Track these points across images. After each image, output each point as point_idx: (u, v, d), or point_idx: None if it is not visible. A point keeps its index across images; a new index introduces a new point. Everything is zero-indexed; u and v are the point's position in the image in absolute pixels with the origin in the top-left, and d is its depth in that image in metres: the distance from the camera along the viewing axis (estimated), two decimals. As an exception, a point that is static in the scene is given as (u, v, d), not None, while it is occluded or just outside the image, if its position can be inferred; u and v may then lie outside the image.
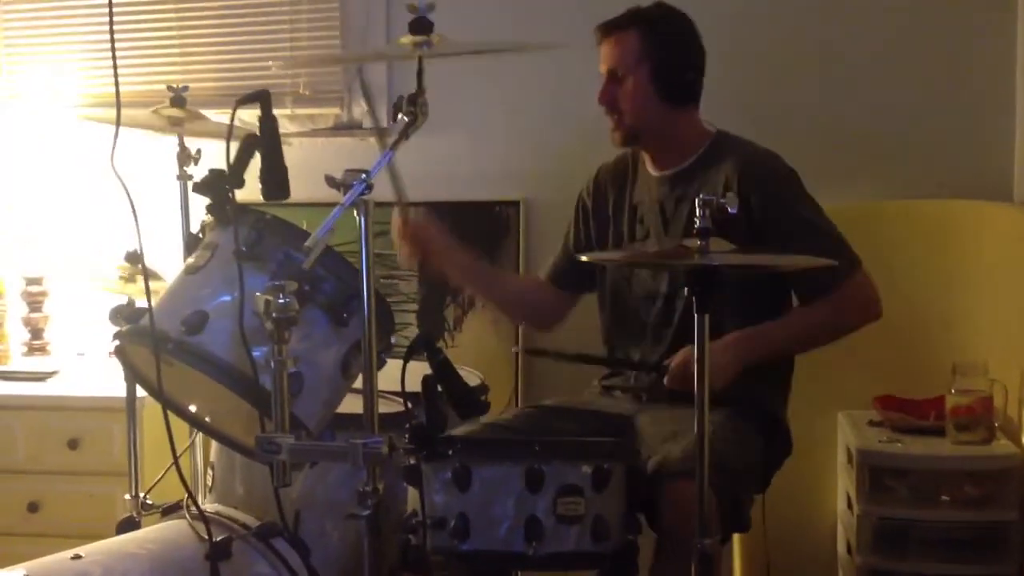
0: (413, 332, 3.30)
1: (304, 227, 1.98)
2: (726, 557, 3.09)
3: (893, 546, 2.73)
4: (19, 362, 3.52)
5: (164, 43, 3.54)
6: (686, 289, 1.89)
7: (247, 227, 1.95)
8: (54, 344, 3.55)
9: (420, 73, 1.89)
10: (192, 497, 2.22)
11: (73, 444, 3.19)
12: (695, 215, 1.93)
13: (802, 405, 2.66)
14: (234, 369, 1.88)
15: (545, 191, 3.31)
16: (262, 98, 1.88)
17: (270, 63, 2.12)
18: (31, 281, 3.52)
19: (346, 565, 2.30)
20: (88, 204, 3.43)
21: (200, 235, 2.07)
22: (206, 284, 1.99)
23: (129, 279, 2.52)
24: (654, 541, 2.17)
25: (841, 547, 3.02)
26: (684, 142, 2.59)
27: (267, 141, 1.88)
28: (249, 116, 1.96)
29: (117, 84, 1.92)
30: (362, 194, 1.78)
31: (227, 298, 1.93)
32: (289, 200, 1.93)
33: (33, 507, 3.21)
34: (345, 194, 1.78)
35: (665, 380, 2.38)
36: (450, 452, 1.95)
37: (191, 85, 2.88)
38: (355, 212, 1.81)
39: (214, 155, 2.37)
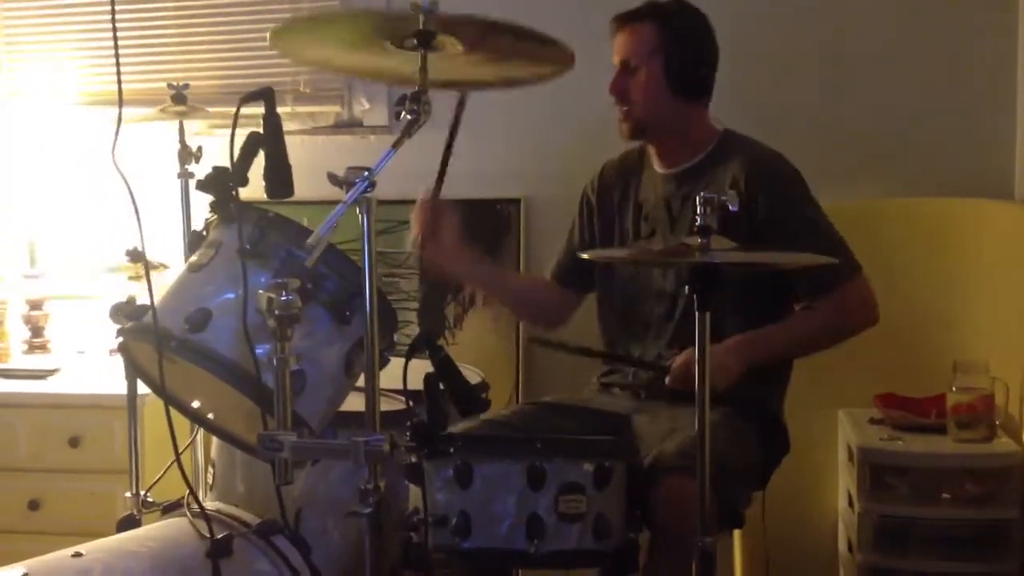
0: (414, 330, 3.29)
1: (306, 225, 1.98)
2: (727, 555, 3.09)
3: (894, 544, 2.74)
4: (20, 360, 3.52)
5: (165, 40, 3.54)
6: (686, 287, 1.89)
7: (250, 225, 1.95)
8: (55, 342, 3.55)
9: (423, 71, 1.88)
10: (194, 494, 2.22)
11: (74, 442, 3.20)
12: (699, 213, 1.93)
13: (803, 403, 2.66)
14: (237, 367, 1.88)
15: (546, 189, 3.31)
16: (266, 96, 1.88)
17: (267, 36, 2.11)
18: (32, 278, 3.52)
19: (347, 563, 2.30)
20: (89, 202, 3.43)
21: (203, 233, 2.07)
22: (209, 282, 1.98)
23: (134, 277, 2.52)
24: (648, 538, 2.16)
25: (842, 545, 3.02)
26: (692, 139, 2.60)
27: (271, 139, 1.88)
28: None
29: (120, 81, 1.92)
30: (364, 192, 1.78)
31: (230, 296, 1.93)
32: (291, 198, 1.93)
33: (34, 505, 3.22)
34: (347, 192, 1.78)
35: (667, 380, 2.39)
36: (452, 450, 1.94)
37: (192, 83, 2.89)
38: (357, 210, 1.80)
39: (216, 153, 2.37)
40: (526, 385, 3.31)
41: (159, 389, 1.97)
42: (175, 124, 2.82)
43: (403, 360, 1.96)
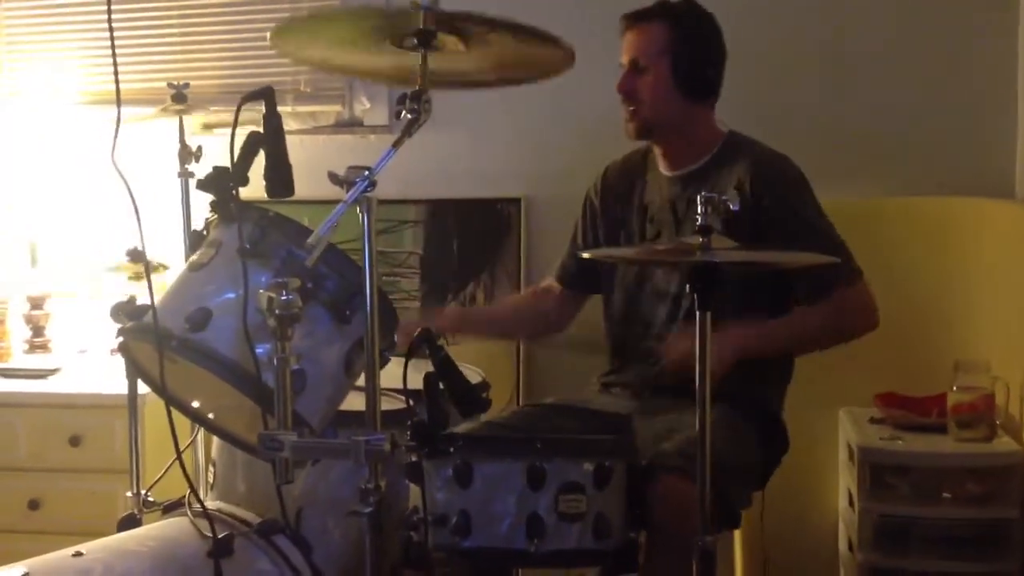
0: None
1: (306, 224, 1.98)
2: (728, 554, 3.09)
3: (894, 543, 2.74)
4: (20, 359, 3.52)
5: (165, 40, 3.54)
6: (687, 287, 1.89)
7: (251, 224, 1.95)
8: (55, 341, 3.55)
9: (423, 70, 1.88)
10: (195, 493, 2.22)
11: (74, 441, 3.20)
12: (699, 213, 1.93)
13: (803, 402, 2.66)
14: (237, 366, 1.88)
15: (546, 188, 3.31)
16: (266, 95, 1.88)
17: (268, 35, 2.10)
18: (33, 278, 3.52)
19: (348, 562, 2.29)
20: (90, 201, 3.43)
21: (204, 232, 2.07)
22: (210, 281, 1.98)
23: (134, 277, 2.52)
24: (645, 538, 2.16)
25: (842, 544, 3.02)
26: (698, 140, 2.60)
27: (271, 138, 1.88)
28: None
29: (117, 81, 1.92)
30: (365, 191, 1.78)
31: (231, 295, 1.92)
32: (291, 197, 1.93)
33: (34, 504, 3.22)
34: (348, 191, 1.78)
35: (664, 363, 2.38)
36: (452, 449, 1.95)
37: (192, 82, 2.89)
38: (358, 209, 1.80)
39: (216, 152, 2.37)
40: (526, 384, 3.31)
41: (159, 389, 1.97)
42: (175, 124, 2.82)
43: (403, 359, 1.96)
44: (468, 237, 3.36)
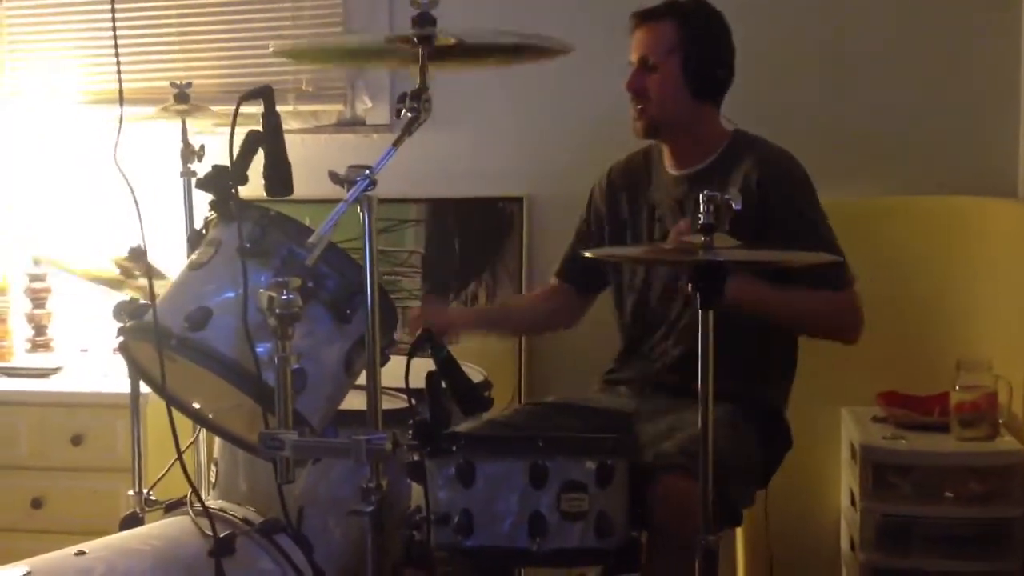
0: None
1: (307, 223, 1.98)
2: (730, 553, 3.09)
3: (896, 542, 2.73)
4: (22, 358, 3.53)
5: (166, 39, 3.54)
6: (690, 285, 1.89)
7: (251, 223, 1.95)
8: (57, 340, 3.56)
9: (423, 69, 1.88)
10: (196, 493, 2.22)
11: (76, 440, 3.20)
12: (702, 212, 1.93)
13: (805, 401, 2.66)
14: (238, 365, 1.88)
15: (548, 188, 3.31)
16: (265, 94, 1.88)
17: (269, 45, 2.10)
18: (35, 278, 3.52)
19: (349, 561, 2.30)
20: (91, 201, 3.44)
21: (204, 231, 2.06)
22: (210, 280, 1.98)
23: (129, 275, 2.52)
24: (647, 537, 2.16)
25: (844, 543, 3.02)
26: (705, 139, 2.60)
27: (270, 137, 1.87)
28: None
29: (120, 80, 1.92)
30: (365, 190, 1.78)
31: (231, 294, 1.92)
32: (292, 196, 1.93)
33: (36, 503, 3.22)
34: (348, 190, 1.78)
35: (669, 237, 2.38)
36: (454, 448, 1.95)
37: (194, 81, 2.89)
38: (358, 208, 1.80)
39: (219, 151, 2.37)
40: (528, 383, 3.30)
41: (160, 388, 1.97)
42: (177, 123, 2.82)
43: (404, 358, 1.96)
44: (469, 236, 3.36)
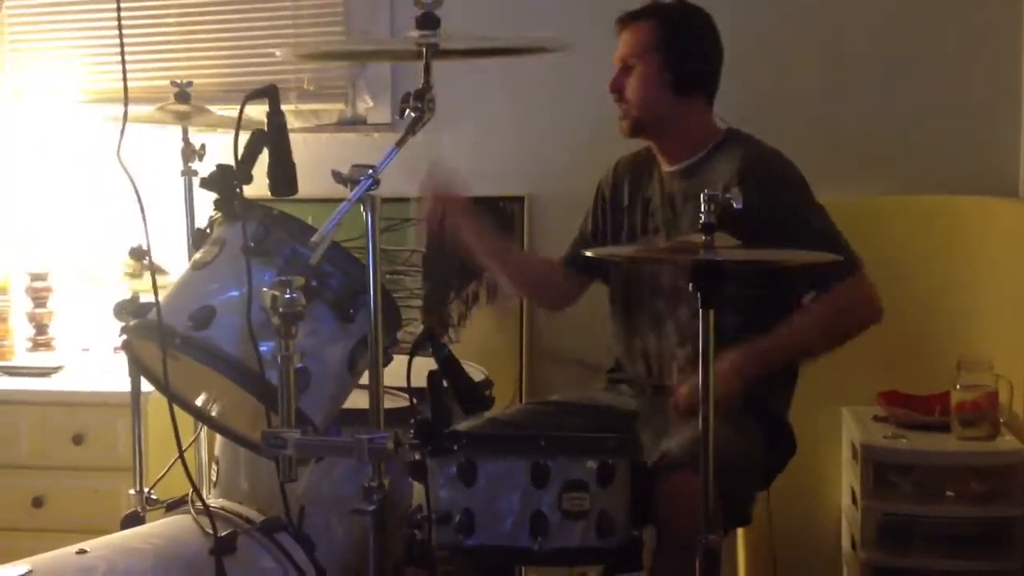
0: (418, 328, 3.30)
1: (310, 223, 1.98)
2: (731, 552, 3.10)
3: (897, 542, 2.74)
4: (24, 357, 3.52)
5: (169, 38, 3.54)
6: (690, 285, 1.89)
7: (254, 222, 1.95)
8: (59, 339, 3.56)
9: (427, 69, 1.88)
10: (198, 491, 2.22)
11: (77, 439, 3.20)
12: (700, 210, 1.93)
13: (806, 401, 2.66)
14: (241, 364, 1.88)
15: (549, 187, 3.31)
16: (270, 93, 1.88)
17: (276, 52, 2.11)
18: (36, 277, 3.52)
19: (351, 560, 2.30)
20: (93, 200, 3.44)
21: (207, 231, 2.07)
22: (213, 279, 1.98)
23: (134, 275, 2.52)
24: (654, 536, 2.17)
25: (845, 542, 3.02)
26: (693, 136, 2.60)
27: (274, 137, 1.87)
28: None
29: (125, 80, 1.92)
30: (368, 189, 1.78)
31: (234, 293, 1.92)
32: (295, 196, 1.93)
33: (37, 502, 3.22)
34: (352, 190, 1.78)
35: (673, 408, 2.38)
36: (455, 447, 1.95)
37: (195, 80, 2.89)
38: (362, 208, 1.80)
39: (219, 150, 2.37)
40: (530, 382, 3.31)
41: (163, 387, 1.97)
42: (178, 122, 2.81)
43: (407, 357, 1.96)
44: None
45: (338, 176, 1.79)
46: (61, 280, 3.54)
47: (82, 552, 2.08)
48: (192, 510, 2.27)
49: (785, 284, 2.52)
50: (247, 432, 2.11)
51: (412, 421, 1.92)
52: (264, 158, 1.90)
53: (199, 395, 2.15)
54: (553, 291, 2.88)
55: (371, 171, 1.78)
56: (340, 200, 1.77)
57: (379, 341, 1.85)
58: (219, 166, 1.94)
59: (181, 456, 2.01)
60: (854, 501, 2.87)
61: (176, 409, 2.02)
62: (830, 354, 2.50)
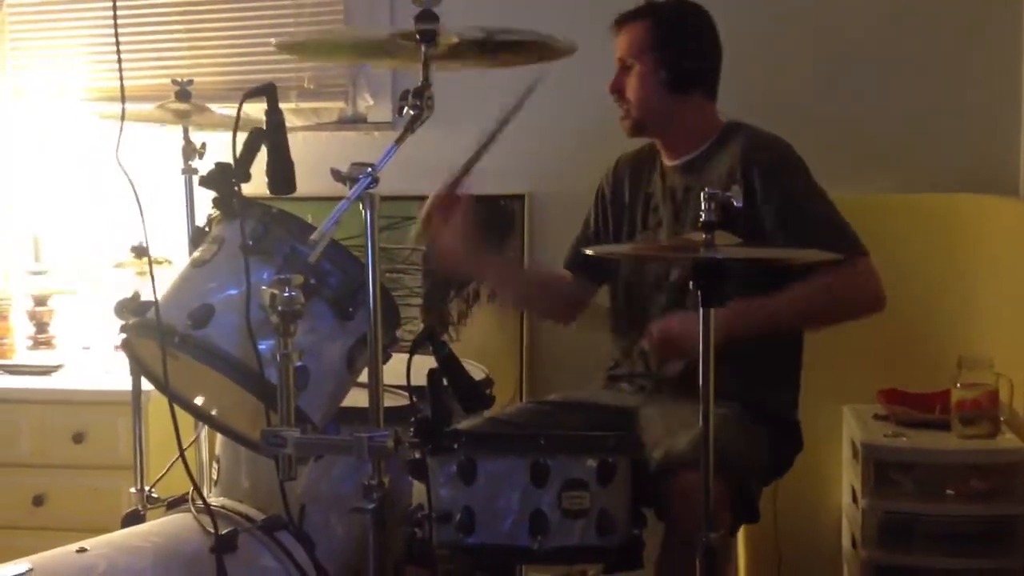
0: (418, 326, 3.30)
1: (310, 221, 1.98)
2: (732, 552, 3.09)
3: (898, 540, 2.73)
4: (24, 356, 3.53)
5: (169, 37, 3.54)
6: (691, 282, 1.89)
7: (253, 221, 1.95)
8: (59, 338, 3.56)
9: (426, 66, 1.88)
10: (198, 490, 2.22)
11: (78, 438, 3.20)
12: (701, 207, 1.93)
13: (807, 399, 2.66)
14: (240, 363, 1.88)
15: (550, 185, 3.31)
16: (268, 92, 1.88)
17: (272, 40, 2.10)
18: (36, 275, 3.53)
19: (351, 559, 2.30)
20: (93, 198, 3.44)
21: (206, 229, 2.07)
22: (212, 278, 1.98)
23: (141, 273, 2.52)
24: (661, 534, 2.17)
25: (846, 541, 3.02)
26: (694, 132, 2.61)
27: (273, 135, 1.87)
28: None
29: (122, 78, 1.92)
30: (368, 188, 1.78)
31: (233, 292, 1.92)
32: (294, 194, 1.93)
33: (38, 500, 3.22)
34: (351, 188, 1.78)
35: (644, 342, 2.38)
36: (455, 446, 1.95)
37: (195, 78, 2.89)
38: (361, 206, 1.80)
39: (219, 149, 2.37)
40: (530, 381, 3.31)
41: (162, 385, 1.97)
42: (178, 121, 2.81)
43: (406, 356, 1.96)
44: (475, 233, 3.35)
45: (337, 174, 1.79)
46: (61, 279, 3.54)
47: (82, 550, 2.08)
48: (193, 508, 2.28)
49: (788, 276, 2.52)
50: (247, 431, 2.11)
51: (412, 420, 1.92)
52: (263, 156, 1.90)
53: (199, 394, 2.15)
54: (562, 303, 2.86)
55: (370, 169, 1.78)
56: (339, 198, 1.76)
57: (378, 339, 1.85)
58: (218, 164, 1.93)
59: (181, 455, 2.01)
60: (855, 499, 2.87)
61: (176, 408, 2.02)
62: (824, 329, 2.50)
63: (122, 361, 2.32)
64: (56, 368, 3.40)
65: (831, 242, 2.28)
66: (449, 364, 1.98)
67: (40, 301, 3.53)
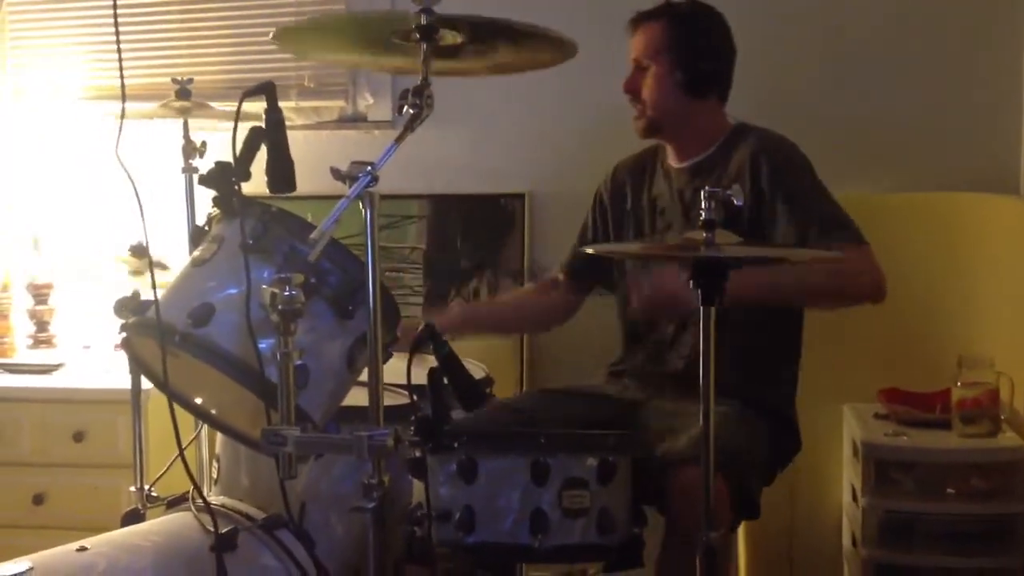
0: (419, 325, 3.30)
1: (309, 220, 1.98)
2: (732, 550, 3.09)
3: (899, 539, 2.73)
4: (25, 355, 3.53)
5: (169, 35, 3.54)
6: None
7: (253, 220, 1.95)
8: (59, 337, 3.56)
9: (426, 65, 1.88)
10: (198, 489, 2.22)
11: (78, 437, 3.20)
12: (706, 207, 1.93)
13: (807, 398, 2.66)
14: (240, 361, 1.88)
15: (550, 184, 3.31)
16: (268, 90, 1.87)
17: (271, 33, 2.10)
18: (36, 274, 3.53)
19: (351, 557, 2.30)
20: (94, 197, 3.44)
21: (206, 228, 2.06)
22: (212, 277, 1.98)
23: (136, 272, 2.52)
24: (662, 532, 2.17)
25: (846, 540, 3.02)
26: (704, 133, 2.62)
27: (273, 134, 1.87)
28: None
29: (122, 76, 1.92)
30: (367, 186, 1.78)
31: (233, 291, 1.92)
32: (294, 193, 1.93)
33: (38, 499, 3.22)
34: (351, 187, 1.77)
35: (634, 299, 2.39)
36: (455, 444, 1.95)
37: (196, 77, 2.89)
38: (360, 205, 1.80)
39: (220, 147, 2.36)
40: (530, 380, 3.31)
41: (162, 384, 1.97)
42: (179, 119, 2.82)
43: (406, 354, 1.96)
44: (471, 233, 3.36)
45: (337, 173, 1.79)
46: (62, 278, 3.54)
47: (83, 549, 2.08)
48: (193, 507, 2.28)
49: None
50: (247, 429, 2.11)
51: (413, 418, 1.92)
52: (263, 155, 1.90)
53: (199, 393, 2.15)
54: (555, 311, 2.89)
55: (370, 168, 1.77)
56: (339, 197, 1.76)
57: (378, 338, 1.85)
58: (217, 163, 1.93)
59: (181, 453, 2.01)
60: (855, 499, 2.87)
61: (176, 407, 2.02)
62: (823, 308, 2.51)
63: (122, 360, 2.32)
64: (56, 367, 3.40)
65: (836, 235, 2.33)
66: (449, 363, 1.97)
67: (40, 300, 3.53)
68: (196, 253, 2.04)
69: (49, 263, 3.54)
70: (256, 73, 3.47)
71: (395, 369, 1.96)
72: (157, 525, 2.30)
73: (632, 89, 2.61)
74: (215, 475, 2.55)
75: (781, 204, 2.44)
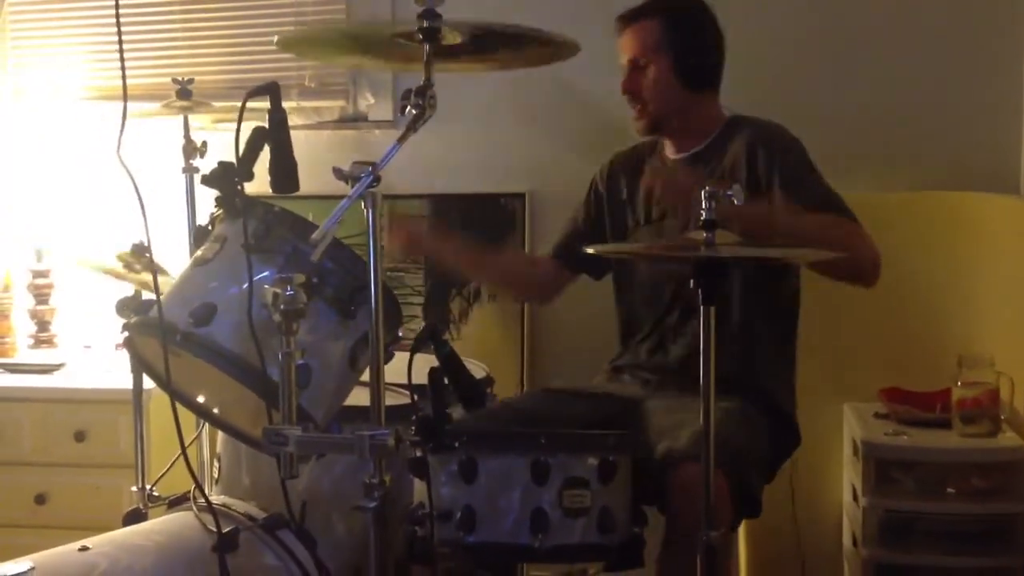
0: (419, 325, 3.30)
1: (311, 220, 1.98)
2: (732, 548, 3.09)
3: (899, 538, 2.74)
4: (26, 354, 3.53)
5: (170, 35, 3.55)
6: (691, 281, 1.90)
7: (255, 220, 1.95)
8: (61, 336, 3.56)
9: (428, 65, 1.88)
10: (200, 488, 2.22)
11: (80, 436, 3.20)
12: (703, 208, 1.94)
13: (808, 397, 2.67)
14: (242, 361, 1.88)
15: (550, 184, 3.31)
16: (271, 91, 1.88)
17: (273, 39, 2.10)
18: (37, 274, 3.53)
19: (352, 557, 2.30)
20: (95, 196, 3.44)
21: (209, 227, 2.07)
22: (215, 276, 1.98)
23: (130, 268, 2.52)
24: (662, 532, 2.17)
25: (847, 539, 3.02)
26: (702, 125, 2.63)
27: (276, 134, 1.87)
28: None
29: (124, 76, 1.92)
30: (370, 186, 1.78)
31: (235, 290, 1.92)
32: (296, 193, 1.93)
33: (40, 499, 3.22)
34: (352, 186, 1.78)
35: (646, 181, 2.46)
36: (456, 444, 1.95)
37: (196, 77, 2.89)
38: (362, 204, 1.80)
39: (220, 147, 2.37)
40: (531, 380, 3.31)
41: (164, 383, 1.97)
42: (180, 119, 2.82)
43: (408, 354, 1.96)
44: (472, 233, 3.36)
45: (339, 173, 1.79)
46: (63, 277, 3.54)
47: (84, 549, 2.08)
48: (194, 507, 2.28)
49: (789, 272, 2.53)
50: (248, 429, 2.11)
51: (413, 418, 1.92)
52: (265, 155, 1.90)
53: (200, 392, 2.15)
54: (537, 286, 2.90)
55: (372, 168, 1.77)
56: (341, 197, 1.76)
57: (380, 338, 1.85)
58: (220, 163, 1.93)
59: (183, 453, 2.01)
60: (855, 498, 2.87)
61: (178, 406, 2.02)
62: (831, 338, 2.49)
63: (123, 360, 2.33)
64: (57, 367, 3.40)
65: (834, 214, 2.37)
66: (450, 363, 1.98)
67: (41, 299, 3.53)
68: (199, 252, 2.04)
69: (50, 263, 3.54)
70: (257, 73, 3.47)
71: (396, 369, 1.96)
72: (159, 525, 2.30)
73: (632, 89, 2.61)
74: (216, 475, 2.55)
75: (779, 189, 2.46)
